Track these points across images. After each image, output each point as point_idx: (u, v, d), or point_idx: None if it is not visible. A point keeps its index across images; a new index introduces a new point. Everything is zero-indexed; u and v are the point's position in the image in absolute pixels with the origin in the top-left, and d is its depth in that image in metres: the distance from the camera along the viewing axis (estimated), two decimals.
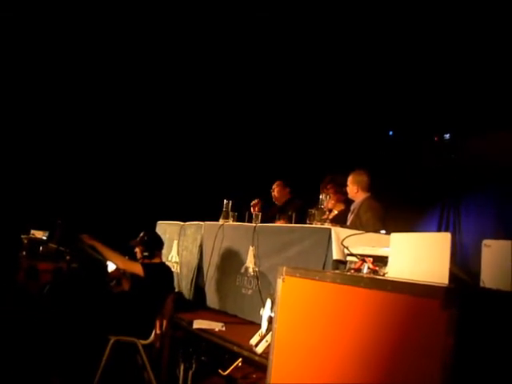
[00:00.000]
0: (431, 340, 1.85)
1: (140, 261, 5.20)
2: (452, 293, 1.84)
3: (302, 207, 5.70)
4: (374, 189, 5.89)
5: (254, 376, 5.45)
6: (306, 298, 2.52)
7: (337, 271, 3.40)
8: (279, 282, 2.66)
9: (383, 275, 2.65)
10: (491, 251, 2.39)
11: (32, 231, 6.60)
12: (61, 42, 7.65)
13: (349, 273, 2.96)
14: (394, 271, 2.51)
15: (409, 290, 1.99)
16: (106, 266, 5.53)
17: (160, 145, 8.99)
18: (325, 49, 7.58)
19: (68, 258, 5.60)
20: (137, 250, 5.30)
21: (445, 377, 1.77)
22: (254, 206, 6.49)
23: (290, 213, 5.92)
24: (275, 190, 6.91)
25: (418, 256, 2.41)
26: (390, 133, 8.98)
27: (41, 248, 6.28)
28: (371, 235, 3.94)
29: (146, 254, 5.22)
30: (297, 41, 7.50)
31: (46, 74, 7.99)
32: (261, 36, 7.49)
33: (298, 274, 2.58)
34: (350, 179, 5.87)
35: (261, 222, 5.49)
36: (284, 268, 2.66)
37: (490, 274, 2.35)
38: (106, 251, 5.07)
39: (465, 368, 1.80)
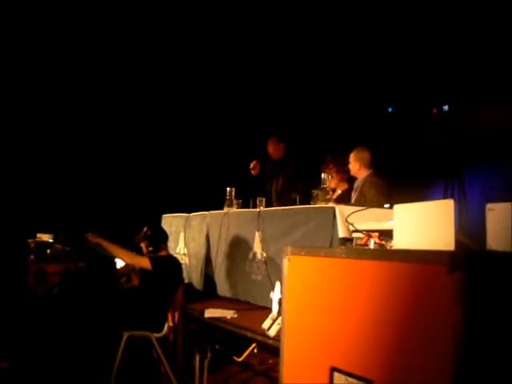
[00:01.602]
0: (440, 306, 1.84)
1: (146, 255, 5.20)
2: (458, 257, 1.83)
3: (305, 187, 5.68)
4: (376, 165, 5.88)
5: (271, 361, 5.49)
6: (313, 276, 2.51)
7: (342, 247, 3.39)
8: (285, 261, 2.64)
9: (390, 248, 2.64)
10: (495, 214, 2.39)
11: (38, 235, 6.61)
12: (60, 42, 7.64)
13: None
14: (399, 243, 2.49)
15: (415, 258, 1.98)
16: (115, 263, 5.53)
17: (160, 143, 8.98)
18: (322, 28, 7.56)
19: (75, 257, 5.61)
20: (142, 245, 5.30)
21: (457, 342, 1.76)
22: (254, 167, 6.53)
23: (293, 196, 5.91)
24: (270, 147, 6.87)
25: (422, 225, 2.39)
26: (389, 109, 8.95)
27: (48, 250, 6.30)
28: (376, 210, 3.92)
29: (150, 248, 5.22)
30: (293, 19, 7.48)
31: (48, 77, 7.99)
32: (252, 16, 7.47)
33: (303, 253, 2.57)
34: (351, 156, 5.86)
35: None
36: (289, 248, 2.65)
37: (495, 237, 2.34)
38: (112, 248, 5.07)
39: (475, 332, 1.79)
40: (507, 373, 1.88)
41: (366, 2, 6.96)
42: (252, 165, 6.71)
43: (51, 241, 6.48)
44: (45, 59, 7.82)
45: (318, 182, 4.92)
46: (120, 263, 5.52)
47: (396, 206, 2.56)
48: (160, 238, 5.38)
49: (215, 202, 6.22)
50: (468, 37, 6.88)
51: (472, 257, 1.87)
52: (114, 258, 5.36)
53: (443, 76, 7.59)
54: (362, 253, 2.29)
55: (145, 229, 5.37)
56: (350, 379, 2.20)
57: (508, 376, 1.87)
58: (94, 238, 5.08)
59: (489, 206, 2.42)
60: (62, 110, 8.30)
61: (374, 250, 2.47)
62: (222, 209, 5.91)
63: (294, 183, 6.40)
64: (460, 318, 1.77)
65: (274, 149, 6.82)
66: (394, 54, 7.57)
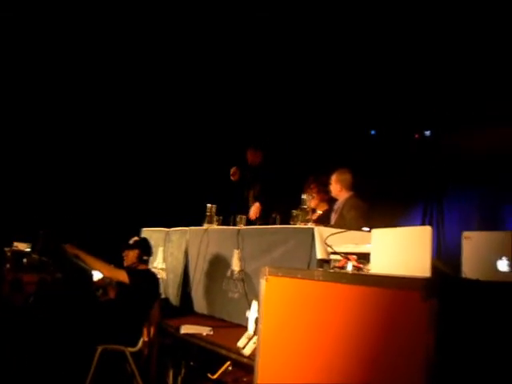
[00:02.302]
0: (414, 331, 1.86)
1: (135, 265, 5.18)
2: (432, 283, 1.85)
3: (284, 206, 5.75)
4: (357, 188, 5.93)
5: (245, 379, 5.45)
6: (289, 297, 2.52)
7: (319, 269, 3.41)
8: (263, 282, 2.66)
9: (367, 272, 2.67)
10: (471, 243, 2.43)
11: (15, 243, 6.54)
12: (57, 41, 7.63)
13: (332, 270, 2.97)
14: (376, 267, 2.52)
15: (390, 284, 2.01)
16: (91, 275, 5.49)
17: (140, 157, 8.97)
18: (308, 49, 7.63)
19: (52, 268, 5.56)
20: (128, 253, 5.26)
21: (428, 366, 1.79)
22: (234, 173, 6.65)
23: (273, 215, 5.95)
24: (248, 155, 7.02)
25: (399, 250, 2.43)
26: (372, 132, 9.03)
27: (24, 260, 6.23)
28: (354, 233, 3.96)
29: (145, 258, 5.24)
30: (280, 42, 7.54)
31: (32, 80, 7.96)
32: (240, 39, 7.54)
33: (280, 274, 2.59)
34: (333, 178, 5.91)
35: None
36: (267, 268, 2.66)
37: (470, 265, 2.38)
38: (90, 260, 5.04)
39: (447, 358, 1.81)
40: None
41: (352, 25, 7.03)
42: (232, 171, 6.89)
43: (28, 250, 6.41)
44: (40, 56, 7.79)
45: (298, 202, 4.95)
46: (97, 275, 5.48)
47: (374, 230, 2.59)
48: (151, 250, 5.40)
49: (195, 217, 6.22)
50: (453, 64, 6.98)
51: (446, 284, 1.90)
52: (91, 270, 5.32)
53: (427, 102, 7.70)
54: (339, 276, 2.32)
55: (136, 238, 5.37)
56: None
57: None
58: (72, 250, 5.05)
59: (465, 234, 2.46)
60: (44, 120, 8.25)
61: (350, 274, 2.49)
62: (201, 225, 5.91)
63: (271, 188, 6.59)
64: (432, 344, 1.79)
65: (252, 157, 6.99)
66: (380, 77, 7.65)
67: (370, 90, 7.91)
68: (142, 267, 5.24)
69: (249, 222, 5.83)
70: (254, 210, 6.53)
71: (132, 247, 5.28)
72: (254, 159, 6.96)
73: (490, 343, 1.96)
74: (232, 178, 6.91)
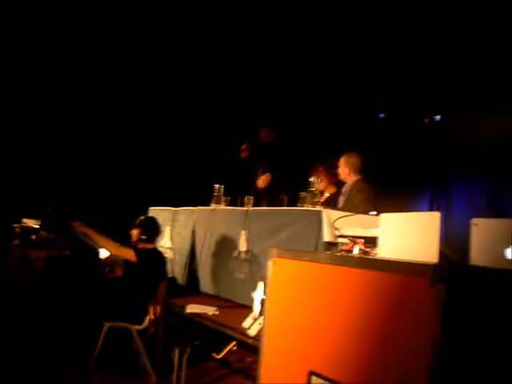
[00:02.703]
0: (420, 316, 1.87)
1: (133, 245, 5.21)
2: (439, 270, 1.86)
3: (292, 188, 5.77)
4: (365, 171, 5.92)
5: (249, 359, 5.52)
6: (296, 280, 2.53)
7: (327, 252, 3.42)
8: (270, 263, 2.67)
9: (374, 256, 2.67)
10: (479, 230, 2.42)
11: (24, 220, 6.59)
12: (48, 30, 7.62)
13: (339, 254, 2.98)
14: (384, 251, 2.52)
15: (397, 269, 2.01)
16: (99, 253, 5.53)
17: (151, 131, 8.95)
18: (316, 31, 7.56)
19: (59, 245, 5.61)
20: (134, 232, 5.30)
21: (434, 352, 1.80)
22: (245, 149, 6.69)
23: (281, 197, 5.95)
24: (261, 133, 7.12)
25: (407, 236, 2.42)
26: (381, 115, 8.97)
27: (33, 236, 6.28)
28: (362, 217, 3.97)
29: (143, 237, 5.25)
30: (284, 20, 7.49)
31: (25, 65, 7.95)
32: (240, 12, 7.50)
33: (288, 256, 2.60)
34: (342, 161, 5.89)
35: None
36: (275, 250, 2.67)
37: (478, 252, 2.37)
38: (98, 238, 5.08)
39: (453, 344, 1.82)
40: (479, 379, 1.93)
41: (360, 8, 6.97)
42: (243, 147, 7.00)
43: (37, 227, 6.46)
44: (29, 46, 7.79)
45: (306, 185, 4.96)
46: (104, 253, 5.51)
47: (382, 215, 2.59)
48: (156, 229, 5.42)
49: (203, 197, 6.23)
50: (464, 49, 6.92)
51: (454, 271, 1.90)
52: (98, 248, 5.36)
53: (438, 86, 7.63)
54: (347, 260, 2.32)
55: (142, 217, 5.40)
56: None
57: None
58: (80, 227, 5.08)
59: (474, 220, 2.45)
60: (48, 98, 8.24)
61: (358, 258, 2.49)
62: (208, 205, 5.92)
63: (280, 168, 6.67)
64: (438, 330, 1.80)
65: (265, 135, 7.08)
66: (390, 60, 7.59)
67: (380, 72, 7.85)
68: (149, 246, 5.27)
69: (256, 203, 5.83)
70: (264, 178, 6.57)
71: (135, 226, 5.32)
72: (267, 137, 6.99)
73: (495, 330, 1.96)
74: (242, 154, 6.99)
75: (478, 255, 2.38)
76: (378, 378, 2.01)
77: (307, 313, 2.42)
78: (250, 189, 6.52)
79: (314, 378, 2.30)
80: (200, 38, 8.01)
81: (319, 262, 2.40)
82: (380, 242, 2.54)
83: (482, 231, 2.42)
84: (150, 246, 5.29)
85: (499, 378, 1.98)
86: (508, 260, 2.32)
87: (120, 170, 8.60)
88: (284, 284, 2.61)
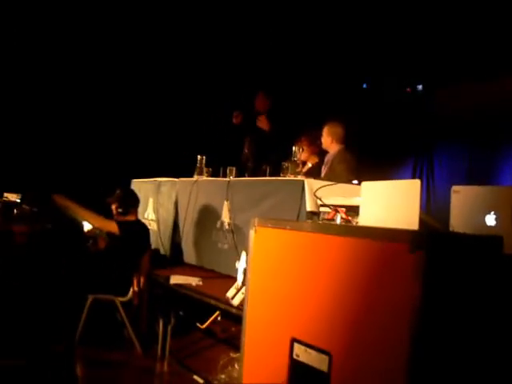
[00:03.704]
0: (401, 283, 1.89)
1: (115, 218, 5.19)
2: (419, 236, 1.87)
3: (276, 159, 5.75)
4: (347, 141, 5.92)
5: (233, 329, 5.55)
6: (278, 248, 2.54)
7: (308, 221, 3.43)
8: (251, 233, 2.67)
9: (356, 224, 2.68)
10: (460, 197, 2.43)
11: (5, 194, 6.52)
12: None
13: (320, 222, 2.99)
14: (365, 220, 2.52)
15: (378, 235, 2.02)
16: (82, 226, 5.50)
17: (132, 102, 8.86)
18: (300, 3, 7.52)
19: (42, 219, 5.57)
20: (113, 206, 5.28)
21: (414, 318, 1.82)
22: (237, 116, 6.69)
23: (264, 167, 5.93)
24: (257, 100, 7.06)
25: (388, 204, 2.43)
26: (364, 85, 8.96)
27: (15, 211, 6.22)
28: (344, 186, 3.98)
29: (120, 210, 5.21)
30: None
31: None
32: None
33: (269, 225, 2.59)
34: (324, 130, 5.90)
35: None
36: (256, 219, 2.67)
37: (458, 219, 2.39)
38: (80, 211, 5.05)
39: (433, 309, 1.84)
40: (459, 346, 1.96)
41: None
42: (235, 114, 6.98)
43: (18, 201, 6.40)
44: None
45: (289, 154, 4.95)
46: (87, 226, 5.49)
47: (364, 183, 2.59)
48: (131, 201, 5.37)
49: (186, 168, 6.21)
50: (446, 19, 6.90)
51: (433, 237, 1.91)
52: (81, 220, 5.33)
53: (419, 56, 7.62)
54: (328, 228, 2.33)
55: (117, 190, 5.36)
56: (310, 350, 2.24)
57: (460, 349, 1.96)
58: (61, 200, 5.04)
59: (454, 188, 2.47)
60: (35, 73, 8.13)
61: (339, 225, 2.50)
62: (192, 176, 5.90)
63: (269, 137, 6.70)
64: (418, 295, 1.82)
65: (261, 102, 7.02)
66: (373, 30, 7.55)
67: (363, 42, 7.81)
68: (132, 218, 5.25)
69: (239, 174, 5.82)
70: (263, 120, 6.60)
71: (112, 200, 5.30)
72: (263, 105, 6.95)
73: (475, 295, 1.99)
74: (234, 120, 6.98)
75: (458, 222, 2.40)
76: (360, 344, 2.03)
77: (289, 281, 2.43)
78: (238, 158, 6.52)
79: (296, 345, 2.32)
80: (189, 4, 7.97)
81: (301, 231, 2.40)
82: (361, 210, 2.55)
83: (462, 198, 2.44)
84: (132, 217, 5.27)
85: (477, 341, 2.01)
86: (488, 226, 2.34)
87: (103, 141, 8.52)
88: (266, 253, 2.61)
